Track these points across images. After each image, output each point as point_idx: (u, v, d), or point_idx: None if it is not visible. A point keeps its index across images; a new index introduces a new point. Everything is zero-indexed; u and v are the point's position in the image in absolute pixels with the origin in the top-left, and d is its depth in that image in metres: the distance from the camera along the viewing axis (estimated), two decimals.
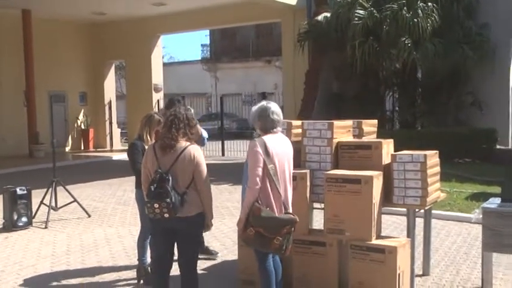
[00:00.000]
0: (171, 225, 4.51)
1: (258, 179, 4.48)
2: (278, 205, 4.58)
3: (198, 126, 6.69)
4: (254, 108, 4.80)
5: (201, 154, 4.60)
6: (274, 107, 4.74)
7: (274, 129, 4.70)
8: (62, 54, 22.98)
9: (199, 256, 6.78)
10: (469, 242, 7.54)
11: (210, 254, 7.01)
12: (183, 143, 4.53)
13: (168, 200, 4.33)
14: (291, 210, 4.65)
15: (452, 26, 15.60)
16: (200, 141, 6.89)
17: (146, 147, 5.86)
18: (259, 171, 4.48)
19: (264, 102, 4.82)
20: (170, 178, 4.40)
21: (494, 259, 5.88)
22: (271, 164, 4.51)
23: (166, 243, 4.68)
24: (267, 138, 4.60)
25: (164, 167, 4.48)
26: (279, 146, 4.65)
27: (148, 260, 6.09)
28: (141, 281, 6.09)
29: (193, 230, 4.63)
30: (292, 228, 4.56)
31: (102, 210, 10.41)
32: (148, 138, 5.95)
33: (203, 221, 4.62)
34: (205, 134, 6.91)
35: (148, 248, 6.04)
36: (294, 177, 5.15)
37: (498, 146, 14.97)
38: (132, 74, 24.14)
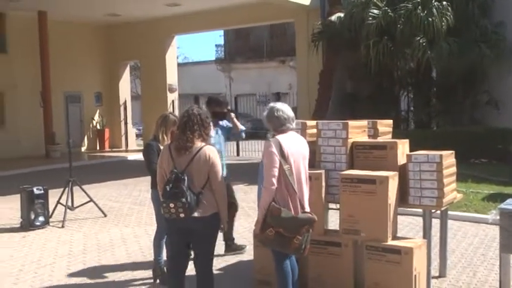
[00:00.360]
0: (187, 225, 4.53)
1: (273, 180, 4.48)
2: (295, 205, 4.57)
3: (235, 120, 6.77)
4: (265, 111, 4.84)
5: (216, 155, 4.61)
6: (279, 105, 4.77)
7: (284, 127, 4.70)
8: (77, 56, 23.11)
9: (228, 254, 6.93)
10: (486, 244, 7.47)
11: (239, 249, 7.11)
12: (198, 143, 4.54)
13: (184, 199, 4.35)
14: (308, 209, 4.66)
15: (467, 24, 15.48)
16: (239, 135, 7.07)
17: (161, 147, 5.90)
18: (275, 171, 4.49)
19: (271, 103, 4.89)
20: (186, 178, 4.42)
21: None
22: (286, 164, 4.52)
23: (182, 243, 4.70)
24: (282, 138, 4.61)
25: (180, 168, 4.49)
26: (293, 145, 4.66)
27: (164, 259, 6.09)
28: (157, 281, 6.10)
29: (209, 230, 4.63)
30: (311, 228, 4.59)
31: (118, 210, 10.46)
32: (165, 137, 5.96)
33: (218, 221, 4.64)
34: (242, 127, 7.11)
35: (164, 247, 6.05)
36: (310, 178, 5.13)
37: None
38: (147, 74, 24.22)
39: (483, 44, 15.10)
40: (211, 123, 4.74)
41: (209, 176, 4.53)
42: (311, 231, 4.62)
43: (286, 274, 4.73)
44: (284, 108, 4.75)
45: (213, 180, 4.54)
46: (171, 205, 4.39)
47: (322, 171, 5.48)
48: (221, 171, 4.62)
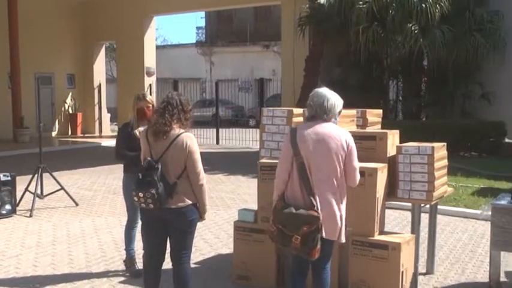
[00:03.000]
0: (162, 217, 4.49)
1: (282, 172, 4.38)
2: (306, 202, 4.27)
3: None
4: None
5: (195, 142, 4.52)
6: (321, 91, 4.44)
7: (313, 115, 4.39)
8: (49, 35, 22.84)
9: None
10: (475, 240, 7.54)
11: None
12: (176, 129, 4.46)
13: (153, 190, 4.28)
14: (318, 208, 4.24)
15: (462, 12, 15.56)
16: None
17: (134, 129, 5.85)
18: (284, 163, 4.37)
19: (317, 89, 4.52)
20: (159, 167, 4.35)
21: (502, 258, 5.89)
22: (299, 156, 4.28)
23: (158, 236, 4.64)
24: (302, 127, 4.41)
25: (156, 155, 4.44)
26: (316, 136, 4.31)
27: (136, 250, 6.10)
28: (130, 272, 6.09)
29: (185, 222, 4.53)
30: (315, 227, 4.19)
31: (91, 199, 10.38)
32: (132, 119, 5.92)
33: (196, 213, 4.56)
34: None
35: (136, 238, 6.06)
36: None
37: (507, 140, 14.97)
38: (124, 56, 24.04)
39: (478, 33, 15.19)
40: (188, 110, 4.59)
41: (186, 165, 4.45)
42: (318, 232, 4.20)
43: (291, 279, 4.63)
44: (323, 95, 4.40)
45: (190, 169, 4.45)
46: (140, 195, 4.34)
47: None
48: (199, 160, 4.50)
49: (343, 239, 4.45)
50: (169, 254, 4.70)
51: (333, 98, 4.43)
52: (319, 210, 4.22)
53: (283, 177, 4.38)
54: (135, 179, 4.46)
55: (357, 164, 4.42)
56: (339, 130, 4.40)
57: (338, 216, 4.34)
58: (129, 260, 6.13)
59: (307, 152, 4.28)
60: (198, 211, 4.58)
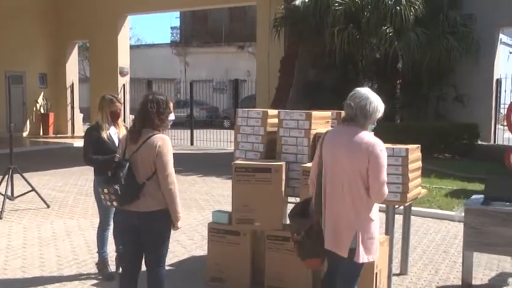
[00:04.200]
0: (132, 222, 4.39)
1: (312, 172, 4.32)
2: (317, 206, 4.16)
3: None
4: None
5: (167, 144, 4.38)
6: (364, 91, 4.07)
7: (352, 118, 4.04)
8: (21, 33, 22.52)
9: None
10: (448, 240, 7.63)
11: None
12: (150, 130, 4.38)
13: (116, 186, 4.24)
14: (323, 216, 4.07)
15: (436, 16, 15.72)
16: None
17: (103, 132, 5.83)
18: (313, 163, 4.32)
19: (357, 89, 4.14)
20: (127, 165, 4.30)
21: (474, 258, 5.97)
22: (321, 159, 4.15)
23: (131, 242, 4.54)
24: (333, 130, 4.30)
25: (129, 154, 4.40)
26: (344, 142, 4.01)
27: (109, 252, 6.07)
28: (103, 275, 6.05)
29: (156, 227, 4.41)
30: (307, 236, 4.09)
31: (63, 201, 10.28)
32: (102, 121, 5.88)
33: (167, 218, 4.40)
34: None
35: (109, 240, 6.04)
36: (268, 170, 5.15)
37: (480, 142, 15.17)
38: (97, 55, 23.84)
39: (451, 36, 15.37)
40: (166, 111, 4.48)
41: (156, 168, 4.34)
42: (312, 242, 4.07)
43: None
44: (360, 95, 4.04)
45: (159, 172, 4.32)
46: (105, 190, 4.31)
47: (283, 163, 5.49)
48: (170, 163, 4.37)
49: (358, 259, 4.00)
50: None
51: (376, 101, 4.04)
52: (325, 221, 4.04)
53: (313, 178, 4.30)
54: (104, 177, 4.45)
55: (384, 179, 3.97)
56: (371, 140, 3.98)
57: (351, 232, 3.98)
58: (102, 262, 6.09)
59: (327, 158, 4.07)
60: (170, 218, 4.41)
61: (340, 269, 4.12)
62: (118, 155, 4.43)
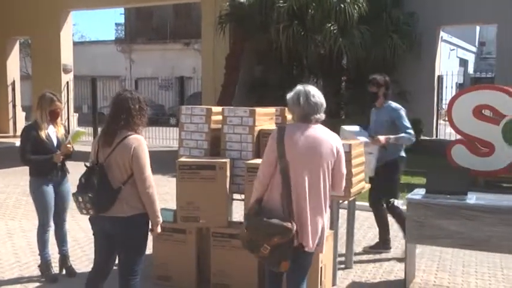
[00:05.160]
0: (106, 227, 4.22)
1: (263, 174, 4.08)
2: (285, 210, 3.98)
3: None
4: (290, 94, 4.18)
5: (143, 145, 4.18)
6: (314, 90, 4.11)
7: (307, 118, 4.06)
8: None
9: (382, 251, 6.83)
10: (392, 234, 7.72)
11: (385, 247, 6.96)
12: (124, 132, 4.16)
13: (91, 194, 4.06)
14: (295, 218, 3.96)
15: (379, 14, 15.98)
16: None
17: (41, 131, 5.70)
18: (266, 164, 4.07)
19: (300, 86, 4.16)
20: (99, 169, 4.12)
21: (417, 250, 6.10)
22: (284, 160, 3.97)
23: (103, 248, 4.37)
24: (291, 127, 4.10)
25: (103, 158, 4.18)
26: (307, 139, 4.01)
27: (52, 254, 5.98)
28: (46, 278, 5.94)
29: (132, 233, 4.20)
30: (287, 240, 3.90)
31: (4, 201, 10.05)
32: (41, 120, 5.75)
33: (144, 224, 4.23)
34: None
35: (50, 241, 5.95)
36: (213, 167, 5.15)
37: (423, 137, 15.50)
38: (39, 52, 23.30)
39: (395, 34, 15.65)
40: (146, 109, 4.30)
41: (133, 171, 4.15)
42: (289, 244, 3.91)
43: None
44: (316, 93, 4.09)
45: (136, 175, 4.13)
46: (80, 199, 4.11)
47: (227, 160, 5.50)
48: (147, 165, 4.17)
49: (321, 251, 4.21)
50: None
51: (321, 95, 4.13)
52: (295, 221, 3.94)
53: (266, 181, 4.08)
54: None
55: (345, 171, 4.23)
56: (330, 134, 4.12)
57: (320, 226, 4.07)
58: (45, 264, 5.97)
59: (296, 156, 3.98)
60: (147, 222, 4.25)
61: (298, 262, 4.05)
62: (90, 160, 4.20)
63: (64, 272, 6.09)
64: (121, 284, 4.32)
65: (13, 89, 24.16)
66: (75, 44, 26.56)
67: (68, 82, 22.65)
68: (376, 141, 6.52)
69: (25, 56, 32.54)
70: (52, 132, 5.81)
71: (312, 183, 4.01)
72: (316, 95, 4.09)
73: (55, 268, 6.05)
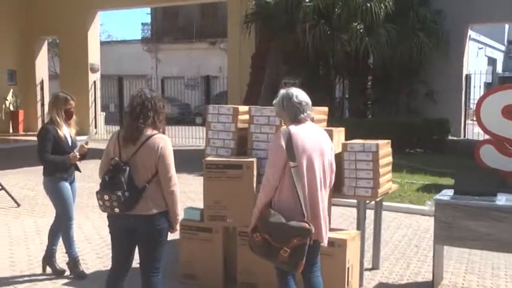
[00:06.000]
0: (129, 225, 4.22)
1: (272, 177, 4.10)
2: (298, 211, 4.04)
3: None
4: (275, 100, 4.33)
5: (169, 145, 4.23)
6: (297, 91, 4.28)
7: (301, 117, 4.20)
8: None
9: None
10: (420, 235, 7.71)
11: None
12: (149, 131, 4.20)
13: (119, 193, 4.03)
14: (308, 218, 4.06)
15: (406, 12, 15.88)
16: None
17: (59, 131, 5.74)
18: (277, 168, 4.09)
19: (283, 90, 4.33)
20: (127, 168, 4.11)
21: (445, 252, 6.05)
22: (295, 161, 4.05)
23: (124, 246, 4.36)
24: (295, 129, 4.14)
25: (126, 157, 4.18)
26: (310, 139, 4.17)
27: (80, 251, 6.07)
28: (74, 274, 5.98)
29: (154, 231, 4.23)
30: (306, 240, 3.99)
31: (33, 199, 10.16)
32: (58, 119, 5.79)
33: (166, 222, 4.27)
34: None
35: (74, 239, 6.02)
36: (239, 166, 5.14)
37: (450, 137, 15.37)
38: (67, 52, 23.56)
39: (421, 32, 15.53)
40: (165, 108, 4.35)
41: (158, 170, 4.18)
42: (307, 245, 3.99)
43: None
44: (303, 95, 4.26)
45: (162, 174, 4.17)
46: (106, 197, 4.08)
47: (254, 160, 5.49)
48: (172, 164, 4.22)
49: (326, 242, 4.36)
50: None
51: (304, 95, 4.30)
52: (310, 220, 4.04)
53: (275, 184, 4.10)
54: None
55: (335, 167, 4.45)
56: (323, 131, 4.39)
57: (327, 220, 4.31)
58: (73, 262, 6.02)
59: (306, 156, 4.10)
60: (169, 220, 4.29)
61: (311, 254, 4.15)
62: (116, 158, 4.18)
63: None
64: (144, 282, 4.35)
65: (41, 88, 24.46)
66: (102, 43, 26.80)
67: (95, 81, 22.89)
68: None
69: (53, 55, 32.91)
70: (67, 133, 5.86)
71: (320, 180, 4.19)
72: (299, 95, 4.24)
73: (82, 265, 6.10)
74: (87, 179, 10.24)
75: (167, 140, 4.24)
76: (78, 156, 5.82)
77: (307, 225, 3.98)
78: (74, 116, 5.99)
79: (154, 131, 4.21)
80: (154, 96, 4.27)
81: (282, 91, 4.32)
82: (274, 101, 4.34)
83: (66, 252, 6.04)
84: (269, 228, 4.03)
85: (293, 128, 4.15)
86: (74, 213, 6.03)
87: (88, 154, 6.01)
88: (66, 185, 5.90)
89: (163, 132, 4.31)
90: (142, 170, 4.17)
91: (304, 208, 4.04)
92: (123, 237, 4.34)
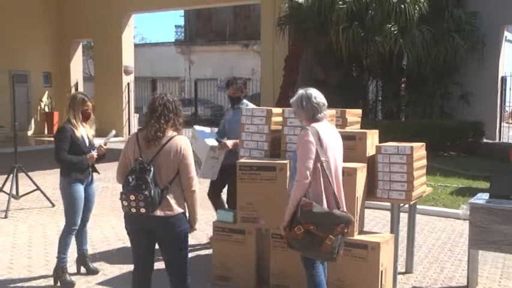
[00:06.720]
0: (149, 226, 4.27)
1: (308, 173, 4.25)
2: (331, 203, 4.33)
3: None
4: (293, 99, 4.57)
5: (189, 146, 4.33)
6: (315, 92, 4.52)
7: (319, 116, 4.46)
8: (25, 32, 22.55)
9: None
10: (454, 239, 7.62)
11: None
12: (169, 132, 4.29)
13: (147, 192, 4.07)
14: (344, 209, 4.41)
15: (440, 13, 15.71)
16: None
17: (76, 131, 5.77)
18: (310, 163, 4.27)
19: (301, 90, 4.57)
20: (152, 169, 4.16)
21: (480, 257, 5.97)
22: (324, 156, 4.31)
23: (146, 247, 4.42)
24: (319, 127, 4.38)
25: (146, 158, 4.24)
26: (331, 136, 4.46)
27: (68, 258, 5.93)
28: (58, 283, 5.85)
29: (175, 232, 4.29)
30: (346, 229, 4.33)
31: (58, 199, 10.24)
32: (76, 120, 5.82)
33: (187, 221, 4.35)
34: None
35: (70, 245, 5.90)
36: (273, 168, 5.13)
37: (485, 140, 15.16)
38: (101, 54, 23.84)
39: (456, 34, 15.35)
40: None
41: (179, 170, 4.26)
42: (346, 233, 4.38)
43: (320, 284, 4.46)
44: (319, 95, 4.51)
45: (183, 174, 4.26)
46: (132, 197, 4.10)
47: (287, 162, 5.49)
48: (193, 165, 4.31)
49: None
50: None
51: (322, 96, 4.56)
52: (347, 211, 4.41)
53: (309, 179, 4.27)
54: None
55: None
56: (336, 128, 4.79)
57: None
58: (60, 269, 5.81)
59: (331, 152, 4.40)
60: (188, 221, 4.37)
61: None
62: (140, 158, 4.21)
63: (84, 270, 6.14)
64: (173, 286, 4.44)
65: (76, 90, 24.74)
66: (136, 46, 27.04)
67: (128, 83, 23.10)
68: (224, 147, 6.63)
69: (88, 58, 33.32)
70: (84, 133, 5.90)
71: (340, 174, 4.52)
72: (318, 96, 4.50)
73: (70, 268, 5.99)
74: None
75: (188, 141, 4.36)
76: (95, 157, 5.84)
77: (348, 214, 4.34)
78: (92, 116, 6.01)
79: (175, 133, 4.32)
80: (175, 99, 4.40)
81: (301, 91, 4.55)
82: (292, 100, 4.59)
83: (57, 258, 5.88)
84: (315, 218, 4.20)
85: (318, 126, 4.39)
86: (79, 222, 5.89)
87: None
88: (80, 189, 5.83)
89: (182, 134, 4.44)
90: (165, 170, 4.24)
91: (339, 199, 4.36)
92: (143, 238, 4.38)
